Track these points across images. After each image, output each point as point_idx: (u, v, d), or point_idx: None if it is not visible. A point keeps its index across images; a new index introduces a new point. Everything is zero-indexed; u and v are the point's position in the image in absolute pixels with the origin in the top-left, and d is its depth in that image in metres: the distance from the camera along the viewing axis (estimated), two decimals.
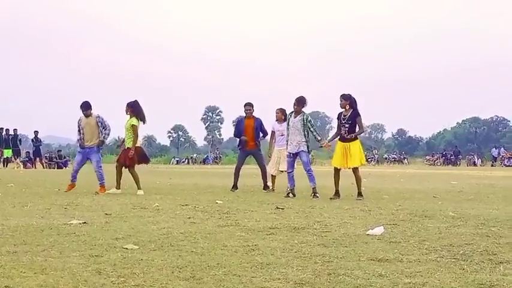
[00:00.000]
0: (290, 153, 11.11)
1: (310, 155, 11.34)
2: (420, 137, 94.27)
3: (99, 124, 11.67)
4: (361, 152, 10.72)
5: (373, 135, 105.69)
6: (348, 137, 10.46)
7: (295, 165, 11.31)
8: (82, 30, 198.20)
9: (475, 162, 49.43)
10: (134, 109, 11.63)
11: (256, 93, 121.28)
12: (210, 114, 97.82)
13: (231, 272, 4.09)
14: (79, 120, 11.88)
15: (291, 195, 10.93)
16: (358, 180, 10.67)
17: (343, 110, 10.65)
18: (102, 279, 3.87)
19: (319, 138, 10.95)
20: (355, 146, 10.53)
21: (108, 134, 11.82)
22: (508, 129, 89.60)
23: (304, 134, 10.96)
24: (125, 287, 3.68)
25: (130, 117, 11.61)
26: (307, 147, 11.04)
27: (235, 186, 12.71)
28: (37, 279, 3.85)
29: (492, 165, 46.08)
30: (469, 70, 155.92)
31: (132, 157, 11.50)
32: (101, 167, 11.77)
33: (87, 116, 11.74)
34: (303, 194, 11.03)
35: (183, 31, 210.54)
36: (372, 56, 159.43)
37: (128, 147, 11.58)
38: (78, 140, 12.09)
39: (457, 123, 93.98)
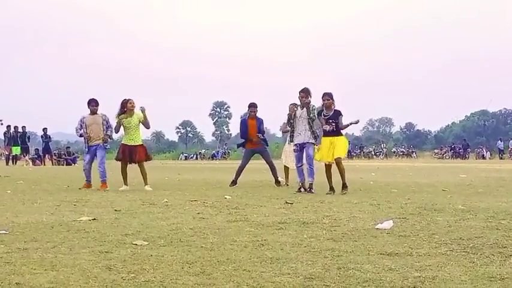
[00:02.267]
0: (297, 144, 11.06)
1: (316, 147, 11.25)
2: (428, 130, 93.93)
3: (105, 123, 11.81)
4: (346, 147, 10.92)
5: (381, 129, 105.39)
6: (332, 130, 10.58)
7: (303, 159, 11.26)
8: (88, 29, 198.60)
9: (483, 155, 49.20)
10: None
11: (265, 88, 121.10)
12: (218, 109, 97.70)
13: (240, 267, 4.09)
14: (82, 117, 11.92)
15: (302, 189, 10.88)
16: (342, 172, 10.64)
17: (326, 108, 10.69)
18: (112, 275, 3.88)
19: (314, 128, 10.98)
20: (341, 140, 10.63)
21: (112, 133, 11.99)
22: None
23: (311, 125, 10.93)
24: (135, 283, 3.69)
25: (134, 113, 11.65)
26: (315, 138, 11.01)
27: (234, 182, 12.66)
28: (47, 275, 3.86)
29: (501, 158, 45.87)
30: (477, 62, 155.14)
31: (143, 152, 11.69)
32: (104, 163, 11.85)
33: (94, 113, 11.80)
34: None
35: (191, 28, 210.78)
36: (379, 49, 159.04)
37: (135, 145, 11.64)
38: (84, 138, 12.08)
39: (465, 116, 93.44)
